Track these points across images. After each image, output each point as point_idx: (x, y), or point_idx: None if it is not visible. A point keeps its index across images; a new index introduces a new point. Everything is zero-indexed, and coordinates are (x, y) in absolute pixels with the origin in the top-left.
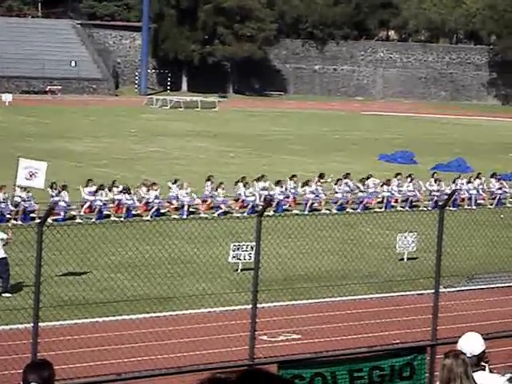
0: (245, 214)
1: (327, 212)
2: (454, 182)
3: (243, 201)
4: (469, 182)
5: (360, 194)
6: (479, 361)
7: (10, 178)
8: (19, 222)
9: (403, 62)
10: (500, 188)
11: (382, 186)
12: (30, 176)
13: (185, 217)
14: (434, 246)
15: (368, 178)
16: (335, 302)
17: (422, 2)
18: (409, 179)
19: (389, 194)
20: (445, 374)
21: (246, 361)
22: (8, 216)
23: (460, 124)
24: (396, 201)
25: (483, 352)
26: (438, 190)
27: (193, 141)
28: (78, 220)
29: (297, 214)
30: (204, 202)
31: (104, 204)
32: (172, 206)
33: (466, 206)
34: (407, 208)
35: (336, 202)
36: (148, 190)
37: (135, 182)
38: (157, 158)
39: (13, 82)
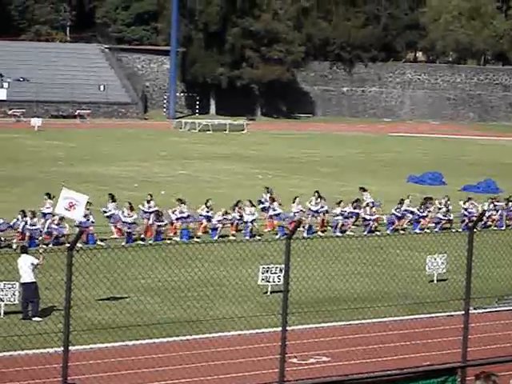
0: (275, 237)
1: (354, 233)
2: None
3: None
4: (507, 202)
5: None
6: None
7: (38, 203)
8: (50, 246)
9: (431, 83)
10: None
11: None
12: (70, 207)
13: (215, 239)
14: (464, 267)
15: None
16: (365, 324)
17: (450, 24)
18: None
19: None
20: None
21: (276, 383)
22: (38, 239)
23: (488, 145)
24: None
25: None
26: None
27: (221, 163)
28: (99, 242)
29: (326, 237)
30: (232, 224)
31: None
32: (202, 226)
33: (496, 227)
34: (437, 230)
35: (367, 224)
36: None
37: (162, 204)
38: (185, 180)
39: (42, 106)
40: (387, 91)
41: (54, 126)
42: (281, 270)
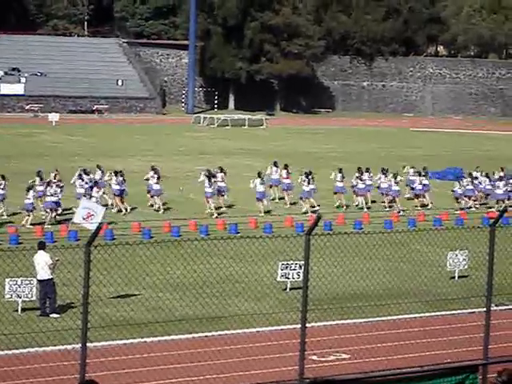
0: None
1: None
2: None
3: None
4: None
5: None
6: None
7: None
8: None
9: (452, 77)
10: None
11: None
12: (87, 217)
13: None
14: (486, 263)
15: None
16: (385, 321)
17: (471, 17)
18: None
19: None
20: None
21: (295, 381)
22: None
23: (510, 140)
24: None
25: None
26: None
27: (240, 159)
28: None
29: (346, 233)
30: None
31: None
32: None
33: None
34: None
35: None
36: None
37: (181, 199)
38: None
39: (59, 101)
40: (408, 86)
41: (71, 121)
42: (300, 267)
